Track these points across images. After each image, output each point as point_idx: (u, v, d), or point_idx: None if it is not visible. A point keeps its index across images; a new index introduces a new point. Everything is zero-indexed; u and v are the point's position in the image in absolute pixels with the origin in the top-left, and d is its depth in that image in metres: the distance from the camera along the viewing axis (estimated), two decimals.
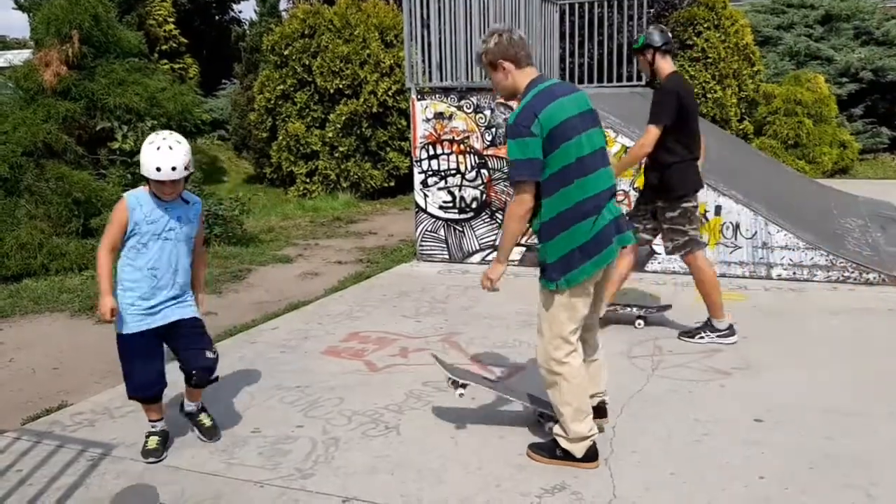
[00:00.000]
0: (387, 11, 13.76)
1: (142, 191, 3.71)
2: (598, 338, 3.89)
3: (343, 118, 12.72)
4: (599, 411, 3.83)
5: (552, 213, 3.41)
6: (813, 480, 3.40)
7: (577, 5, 10.77)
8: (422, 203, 8.16)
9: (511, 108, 7.67)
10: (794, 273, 6.92)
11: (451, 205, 8.07)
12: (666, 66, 5.25)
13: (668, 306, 5.95)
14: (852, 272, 6.77)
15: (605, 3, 10.68)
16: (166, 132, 3.66)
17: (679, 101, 5.11)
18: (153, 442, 3.78)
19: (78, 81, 8.79)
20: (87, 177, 8.25)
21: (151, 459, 3.71)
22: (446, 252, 8.12)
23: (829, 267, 6.83)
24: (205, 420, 3.99)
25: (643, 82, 11.09)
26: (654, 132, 5.13)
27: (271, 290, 7.22)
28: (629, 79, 10.93)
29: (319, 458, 3.73)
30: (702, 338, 5.32)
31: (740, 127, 14.92)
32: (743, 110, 15.09)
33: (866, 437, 3.82)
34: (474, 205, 8.01)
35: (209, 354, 3.80)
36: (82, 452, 3.83)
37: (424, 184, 8.13)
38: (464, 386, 3.91)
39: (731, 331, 5.31)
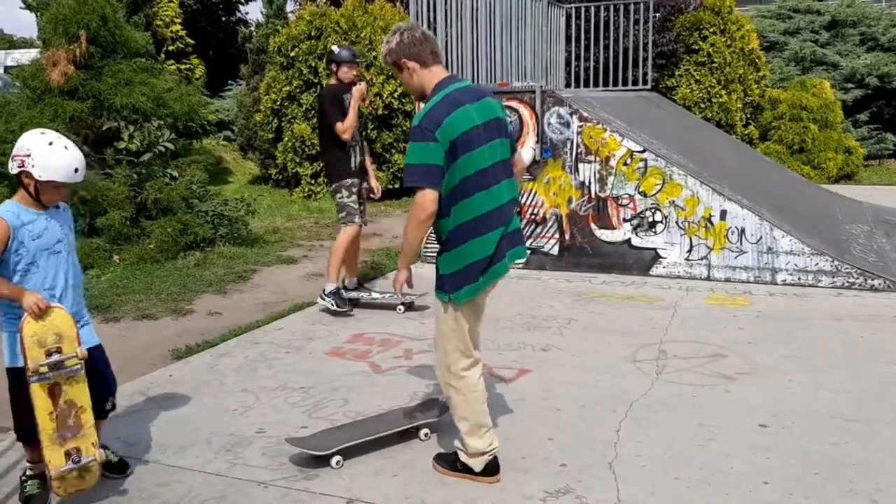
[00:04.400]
0: (393, 14, 13.78)
1: (14, 204, 3.25)
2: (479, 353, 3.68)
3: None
4: None
5: (452, 226, 3.33)
6: (818, 486, 3.40)
7: (583, 9, 10.78)
8: None
9: (515, 109, 7.68)
10: (799, 278, 6.91)
11: None
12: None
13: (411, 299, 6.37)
14: (857, 278, 6.76)
15: (612, 7, 10.69)
16: (49, 131, 3.28)
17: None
18: (33, 486, 3.37)
19: (85, 81, 8.81)
20: (93, 176, 8.25)
21: None
22: None
23: (835, 272, 6.82)
24: (111, 457, 3.58)
25: (649, 86, 11.11)
26: None
27: (276, 291, 7.24)
28: (634, 83, 10.95)
29: (324, 458, 3.73)
30: (323, 300, 6.35)
31: (745, 132, 14.92)
32: (748, 115, 15.09)
33: (871, 442, 3.81)
34: None
35: (107, 406, 3.48)
36: None
37: None
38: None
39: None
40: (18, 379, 3.23)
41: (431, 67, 3.39)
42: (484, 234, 3.33)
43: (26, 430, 3.29)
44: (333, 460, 3.64)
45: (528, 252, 7.52)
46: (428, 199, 3.22)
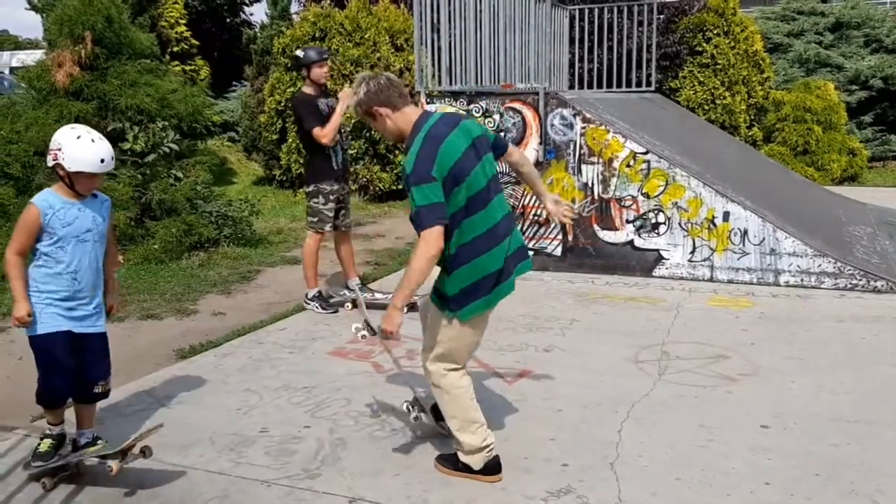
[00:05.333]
0: (397, 15, 13.79)
1: (51, 193, 3.54)
2: None
3: (352, 121, 12.73)
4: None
5: (455, 248, 3.38)
6: (819, 487, 3.41)
7: (586, 10, 10.79)
8: None
9: (518, 111, 7.69)
10: (802, 280, 6.92)
11: None
12: None
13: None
14: (860, 280, 6.76)
15: (615, 9, 10.70)
16: (80, 126, 3.57)
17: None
18: (45, 445, 3.64)
19: (90, 82, 8.83)
20: None
21: (38, 464, 3.55)
22: None
23: (837, 274, 6.82)
24: (104, 447, 3.70)
25: (652, 88, 11.11)
26: None
27: (280, 291, 7.26)
28: (638, 84, 10.95)
29: (326, 458, 3.75)
30: (307, 305, 6.47)
31: (749, 133, 14.90)
32: (752, 117, 15.07)
33: (872, 444, 3.82)
34: None
35: (97, 389, 3.69)
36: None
37: None
38: (368, 331, 3.56)
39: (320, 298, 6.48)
40: (43, 345, 3.53)
41: (403, 109, 3.47)
42: (487, 252, 3.39)
43: (46, 396, 3.61)
44: (359, 334, 3.57)
45: (532, 253, 7.55)
46: (435, 234, 3.23)
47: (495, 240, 3.42)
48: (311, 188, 6.38)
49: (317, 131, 6.15)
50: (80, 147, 3.43)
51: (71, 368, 3.57)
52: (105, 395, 3.78)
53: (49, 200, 3.50)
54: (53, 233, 3.47)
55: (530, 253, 3.86)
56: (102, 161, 3.46)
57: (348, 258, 6.66)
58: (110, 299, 3.83)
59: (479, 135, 3.50)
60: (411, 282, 3.27)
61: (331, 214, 6.38)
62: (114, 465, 3.39)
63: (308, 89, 6.38)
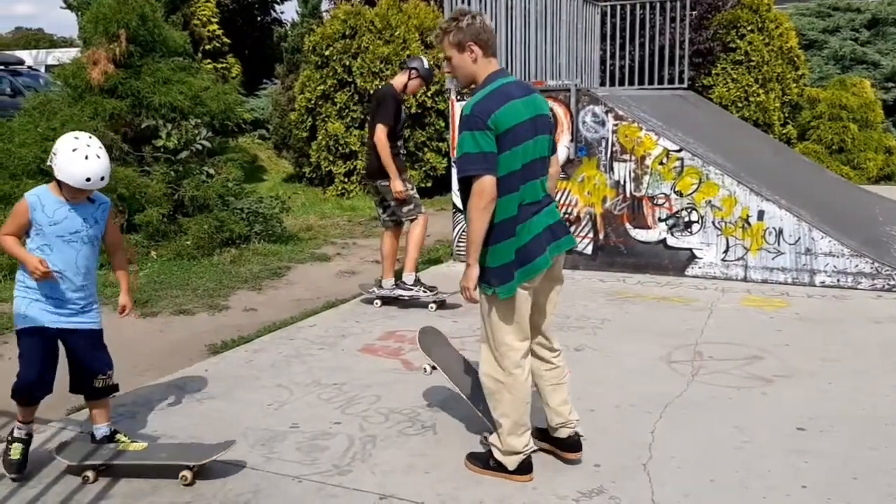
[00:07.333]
0: (427, 12, 13.79)
1: (45, 190, 3.55)
2: (556, 343, 3.65)
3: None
4: (572, 445, 3.62)
5: (497, 220, 3.30)
6: (857, 490, 3.34)
7: (618, 7, 10.70)
8: (459, 204, 8.15)
9: (551, 109, 7.64)
10: (838, 280, 6.80)
11: None
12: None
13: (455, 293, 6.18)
14: None
15: (647, 5, 10.59)
16: (86, 136, 3.52)
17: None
18: (16, 451, 3.55)
19: (124, 80, 8.94)
20: (131, 173, 8.39)
21: (13, 475, 3.50)
22: None
23: (875, 274, 6.70)
24: (123, 438, 3.72)
25: (685, 85, 10.99)
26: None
27: (310, 288, 7.29)
28: (670, 81, 10.83)
29: (357, 454, 3.75)
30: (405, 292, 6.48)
31: (783, 131, 14.70)
32: (786, 114, 14.86)
33: None
34: None
35: (97, 383, 3.66)
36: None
37: None
38: (434, 368, 3.96)
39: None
40: (25, 339, 3.54)
41: (490, 58, 3.44)
42: (522, 226, 3.32)
43: (19, 390, 3.55)
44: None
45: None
46: (487, 184, 3.20)
47: (536, 212, 3.36)
48: (387, 183, 6.31)
49: (381, 128, 6.18)
50: (70, 160, 3.40)
51: (48, 366, 3.56)
52: (110, 389, 3.73)
53: (41, 196, 3.51)
54: (39, 229, 3.48)
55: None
56: (88, 180, 3.40)
57: (391, 255, 6.67)
58: (123, 298, 3.82)
59: (544, 114, 3.44)
60: (472, 237, 3.28)
61: (418, 196, 6.50)
62: (188, 474, 3.47)
63: (397, 84, 6.44)
